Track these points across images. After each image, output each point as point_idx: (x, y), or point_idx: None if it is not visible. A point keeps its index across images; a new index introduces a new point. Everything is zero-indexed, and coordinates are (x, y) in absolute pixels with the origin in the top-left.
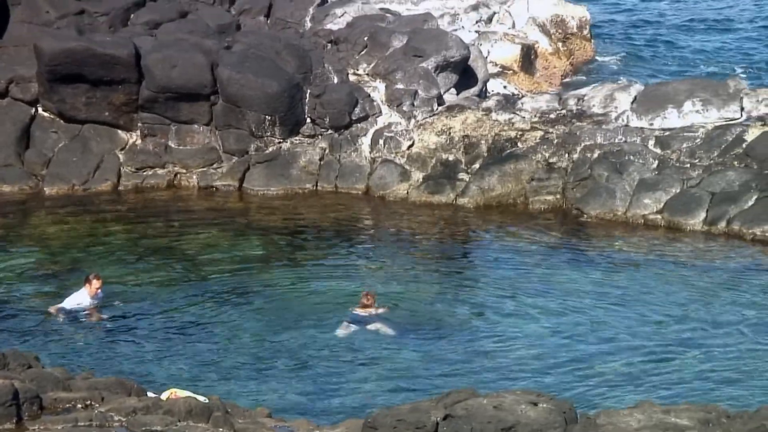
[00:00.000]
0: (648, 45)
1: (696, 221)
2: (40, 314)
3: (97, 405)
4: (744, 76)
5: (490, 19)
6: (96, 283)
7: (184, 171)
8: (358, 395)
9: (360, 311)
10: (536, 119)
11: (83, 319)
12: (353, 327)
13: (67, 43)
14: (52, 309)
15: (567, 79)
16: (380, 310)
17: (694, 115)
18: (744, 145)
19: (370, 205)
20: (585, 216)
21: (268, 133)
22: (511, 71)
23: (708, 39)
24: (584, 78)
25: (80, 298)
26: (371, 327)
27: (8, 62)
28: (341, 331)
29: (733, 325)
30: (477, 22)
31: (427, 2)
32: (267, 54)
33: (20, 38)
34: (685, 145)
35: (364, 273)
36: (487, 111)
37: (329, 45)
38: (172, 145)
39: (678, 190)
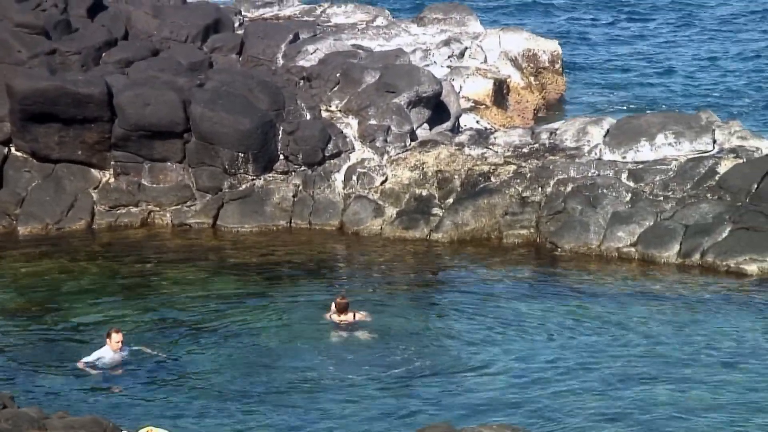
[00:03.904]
0: (620, 79)
1: (670, 254)
2: (14, 354)
3: None
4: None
5: (462, 54)
6: (116, 337)
7: (158, 209)
8: (335, 430)
9: (336, 318)
10: (509, 153)
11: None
12: (341, 333)
13: (39, 82)
14: (79, 364)
15: (540, 114)
16: (359, 317)
17: (667, 148)
18: (717, 178)
19: (344, 241)
20: (559, 250)
21: (242, 170)
22: (483, 106)
23: (680, 72)
24: (557, 112)
25: (102, 353)
26: (356, 334)
27: None
28: (333, 335)
29: (707, 357)
30: (449, 57)
31: (399, 38)
32: (239, 91)
33: None
34: (658, 178)
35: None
36: (460, 146)
37: (302, 82)
38: (146, 183)
39: (651, 223)
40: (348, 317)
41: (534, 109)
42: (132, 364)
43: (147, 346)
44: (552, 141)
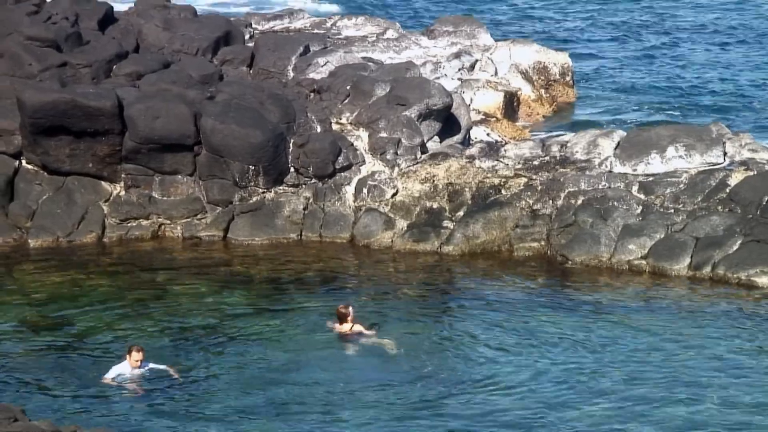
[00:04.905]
0: (630, 92)
1: (681, 266)
2: (25, 367)
3: None
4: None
5: (472, 67)
6: (136, 355)
7: (169, 222)
8: None
9: (337, 328)
10: (520, 166)
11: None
12: (342, 344)
13: (50, 95)
14: (105, 380)
15: (549, 115)
16: (357, 328)
17: (678, 161)
18: (728, 190)
19: (355, 254)
20: (570, 262)
21: (252, 183)
22: (494, 118)
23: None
24: (567, 124)
25: (121, 370)
26: (361, 344)
27: None
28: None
29: (719, 369)
30: (459, 69)
31: (410, 51)
32: (250, 104)
33: (3, 91)
34: (668, 191)
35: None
36: (471, 158)
37: (312, 94)
38: (156, 196)
39: (662, 236)
40: (345, 327)
41: (545, 122)
42: (147, 380)
43: (166, 363)
44: (562, 153)
